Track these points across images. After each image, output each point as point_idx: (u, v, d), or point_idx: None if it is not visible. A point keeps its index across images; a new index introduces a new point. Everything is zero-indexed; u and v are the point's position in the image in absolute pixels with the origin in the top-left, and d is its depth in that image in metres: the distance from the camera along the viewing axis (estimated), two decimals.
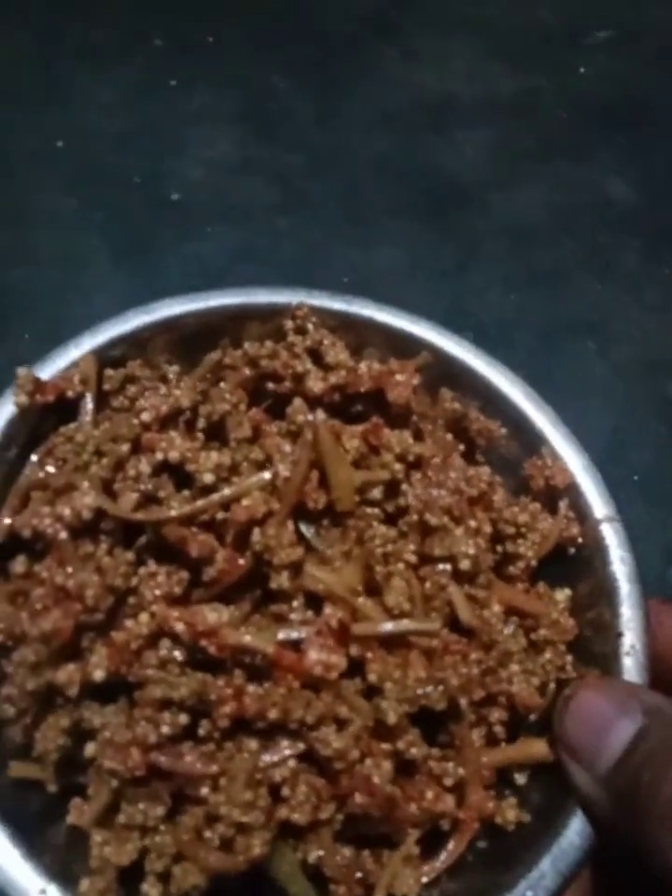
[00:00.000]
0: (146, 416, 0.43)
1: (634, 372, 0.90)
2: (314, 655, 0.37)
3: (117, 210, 0.98)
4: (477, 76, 1.17)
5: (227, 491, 0.40)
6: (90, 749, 0.36)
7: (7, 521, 0.41)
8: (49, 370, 0.46)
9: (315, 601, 0.40)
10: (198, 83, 1.13)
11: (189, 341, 0.50)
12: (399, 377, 0.45)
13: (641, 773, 0.36)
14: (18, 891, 0.35)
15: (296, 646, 0.38)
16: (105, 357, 0.47)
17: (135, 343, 0.48)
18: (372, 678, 0.38)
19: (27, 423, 0.44)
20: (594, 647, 0.45)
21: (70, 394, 0.44)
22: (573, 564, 0.48)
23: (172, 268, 0.92)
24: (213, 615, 0.37)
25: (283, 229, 0.99)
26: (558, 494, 0.48)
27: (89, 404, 0.44)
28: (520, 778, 0.43)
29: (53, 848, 0.38)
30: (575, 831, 0.40)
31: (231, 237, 0.96)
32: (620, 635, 0.44)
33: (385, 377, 0.45)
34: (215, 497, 0.40)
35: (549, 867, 0.39)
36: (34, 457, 0.44)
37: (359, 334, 0.51)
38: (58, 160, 1.04)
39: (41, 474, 0.42)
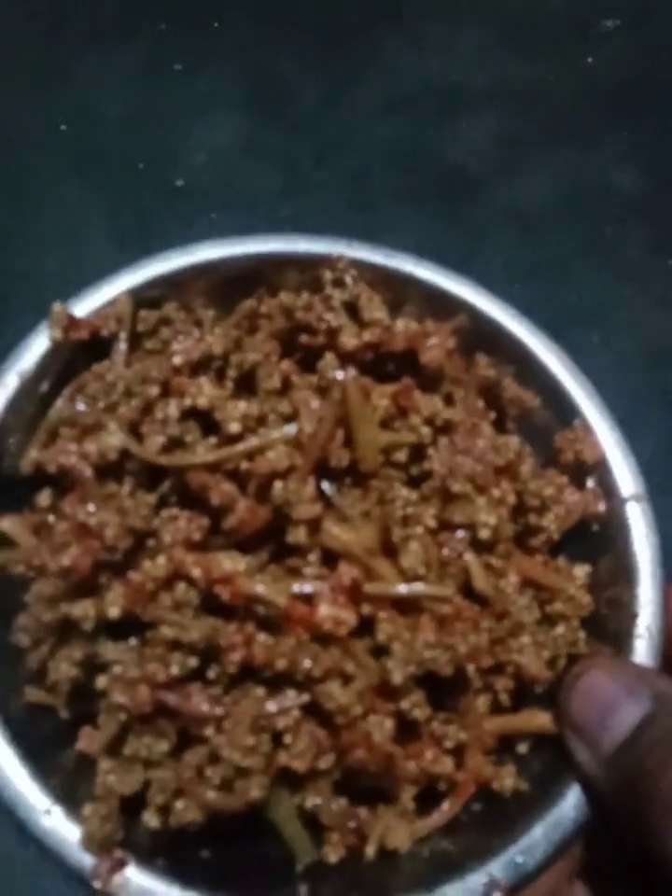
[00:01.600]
0: (177, 360, 0.43)
1: (638, 363, 0.90)
2: (325, 610, 0.38)
3: (120, 195, 0.98)
4: (485, 63, 1.14)
5: (251, 442, 0.40)
6: (101, 681, 0.37)
7: (35, 455, 0.41)
8: (84, 307, 0.46)
9: (330, 558, 0.40)
10: (203, 67, 1.12)
11: (226, 286, 0.50)
12: (433, 339, 0.44)
13: (645, 759, 0.36)
14: (25, 809, 0.37)
15: (308, 600, 0.39)
16: (142, 297, 0.47)
17: (173, 285, 0.48)
18: (382, 637, 0.38)
19: (60, 359, 0.45)
20: (609, 625, 0.45)
21: (104, 332, 0.44)
22: (596, 540, 0.47)
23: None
24: (229, 563, 0.37)
25: (287, 215, 0.98)
26: (587, 468, 0.47)
27: (122, 344, 0.44)
28: (522, 748, 0.44)
29: (62, 772, 0.40)
30: (571, 803, 0.40)
31: (235, 223, 0.95)
32: (635, 615, 0.44)
33: (420, 338, 0.44)
34: (239, 447, 0.40)
35: (541, 836, 0.39)
36: (65, 393, 0.44)
37: (398, 290, 0.50)
38: (61, 143, 1.03)
39: (70, 411, 0.42)
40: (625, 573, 0.45)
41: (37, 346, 0.44)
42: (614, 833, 0.39)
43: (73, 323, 0.43)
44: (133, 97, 1.08)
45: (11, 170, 1.00)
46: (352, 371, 0.44)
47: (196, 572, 0.37)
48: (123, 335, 0.45)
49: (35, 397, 0.44)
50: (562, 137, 1.08)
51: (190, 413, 0.42)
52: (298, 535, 0.39)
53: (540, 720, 0.42)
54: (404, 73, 1.13)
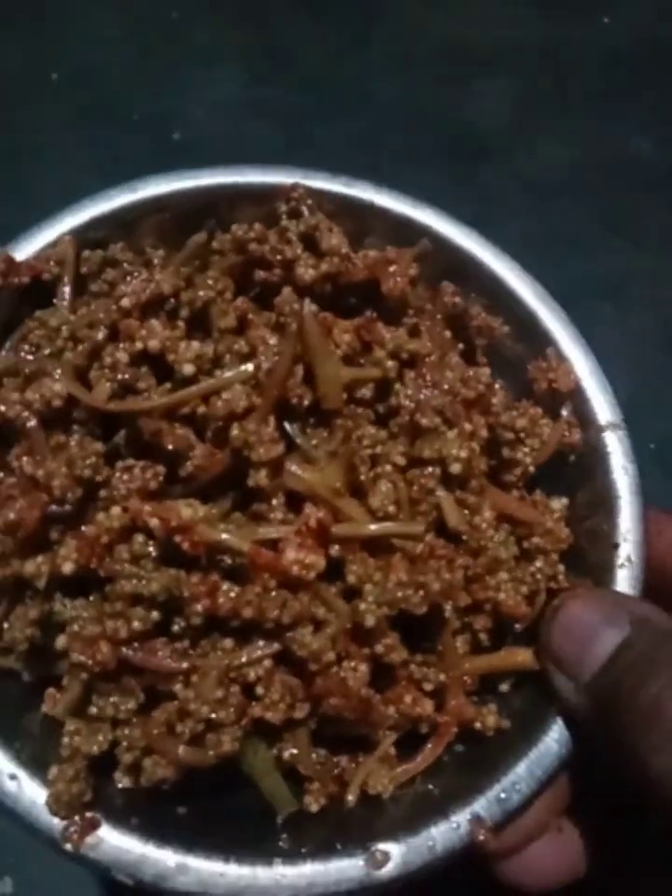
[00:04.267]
0: (125, 302, 0.41)
1: (652, 338, 0.87)
2: (291, 554, 0.36)
3: (115, 149, 0.93)
4: (500, 21, 1.08)
5: (205, 383, 0.38)
6: (60, 641, 0.36)
7: None
8: (25, 250, 0.43)
9: (297, 502, 0.39)
10: (202, 17, 1.05)
11: (178, 223, 0.47)
12: (393, 268, 0.41)
13: (622, 680, 0.36)
14: None
15: (275, 545, 0.37)
16: (86, 238, 0.44)
17: (119, 225, 0.45)
18: (352, 579, 0.37)
19: (3, 307, 0.42)
20: (589, 557, 0.44)
21: (46, 276, 0.42)
22: (574, 471, 0.46)
23: None
24: (187, 511, 0.36)
25: None
26: (561, 398, 0.46)
27: (65, 288, 0.42)
28: (504, 686, 0.43)
29: (28, 736, 0.38)
30: (553, 737, 0.39)
31: None
32: (616, 545, 0.42)
33: (381, 267, 0.42)
34: (192, 388, 0.38)
35: (525, 771, 0.39)
36: (8, 344, 0.42)
37: (360, 221, 0.48)
38: (55, 94, 0.98)
39: (14, 360, 0.40)
40: (604, 504, 0.44)
41: None
42: (598, 764, 0.38)
43: (12, 267, 0.41)
44: (128, 47, 1.03)
45: (1, 122, 0.96)
46: (311, 305, 0.42)
47: (153, 522, 0.35)
48: (67, 278, 0.42)
49: None
50: (579, 101, 1.04)
51: (143, 358, 0.40)
52: (259, 478, 0.37)
53: (521, 656, 0.41)
54: (415, 29, 1.08)
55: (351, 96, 1.02)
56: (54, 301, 0.42)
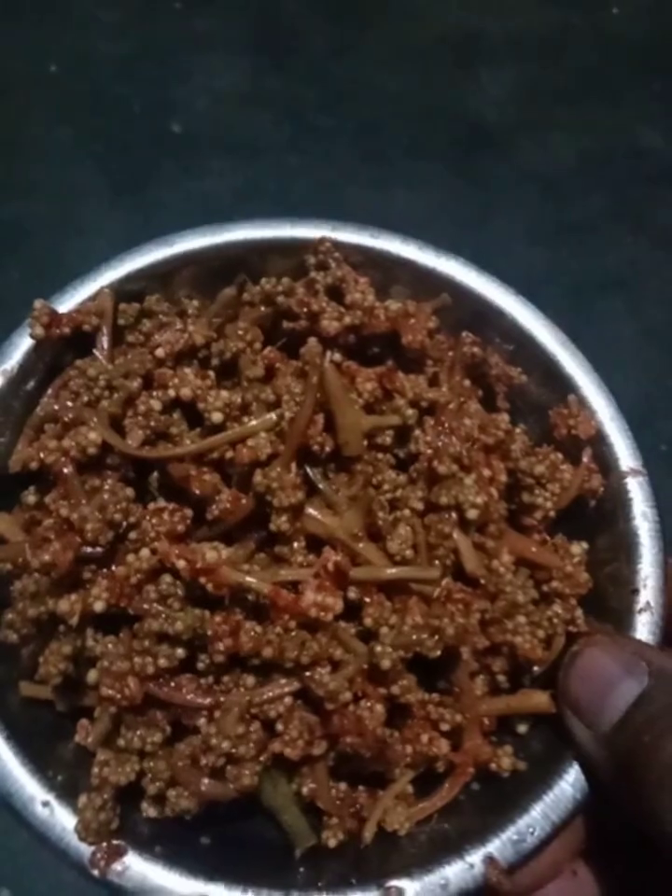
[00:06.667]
0: (160, 352, 0.43)
1: (666, 334, 0.86)
2: (310, 596, 0.38)
3: (115, 141, 0.94)
4: (506, 10, 1.09)
5: (231, 431, 0.40)
6: (91, 675, 0.38)
7: (20, 452, 0.42)
8: (68, 302, 0.46)
9: (318, 545, 0.40)
10: (204, 6, 1.06)
11: (211, 274, 0.49)
12: (413, 321, 0.43)
13: (642, 735, 0.36)
14: (21, 802, 0.37)
15: (295, 587, 0.39)
16: (124, 291, 0.47)
17: (155, 277, 0.48)
18: (368, 622, 0.38)
19: (44, 356, 0.45)
20: (610, 602, 0.44)
21: (86, 327, 0.44)
22: (596, 516, 0.46)
23: (172, 204, 0.88)
24: (212, 553, 0.37)
25: (293, 167, 0.94)
26: (582, 443, 0.46)
27: (103, 338, 0.44)
28: (522, 728, 0.43)
29: (62, 764, 0.40)
30: (569, 781, 0.40)
31: (236, 174, 0.91)
32: (635, 591, 0.43)
33: (402, 320, 0.44)
34: (218, 436, 0.40)
35: (540, 814, 0.39)
36: (50, 391, 0.45)
37: (386, 272, 0.50)
38: (53, 85, 0.98)
39: (55, 407, 0.42)
40: (625, 549, 0.44)
41: (20, 346, 0.44)
42: (614, 811, 0.39)
43: (54, 319, 0.44)
44: (129, 36, 1.02)
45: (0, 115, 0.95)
46: (337, 355, 0.44)
47: (180, 564, 0.37)
48: (105, 329, 0.45)
49: (22, 395, 0.45)
50: (587, 92, 1.03)
51: (176, 405, 0.42)
52: (280, 522, 0.39)
53: (538, 700, 0.42)
54: (420, 18, 1.08)
55: (355, 86, 1.01)
56: (94, 350, 0.44)
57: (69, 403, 0.41)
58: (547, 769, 0.41)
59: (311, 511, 0.40)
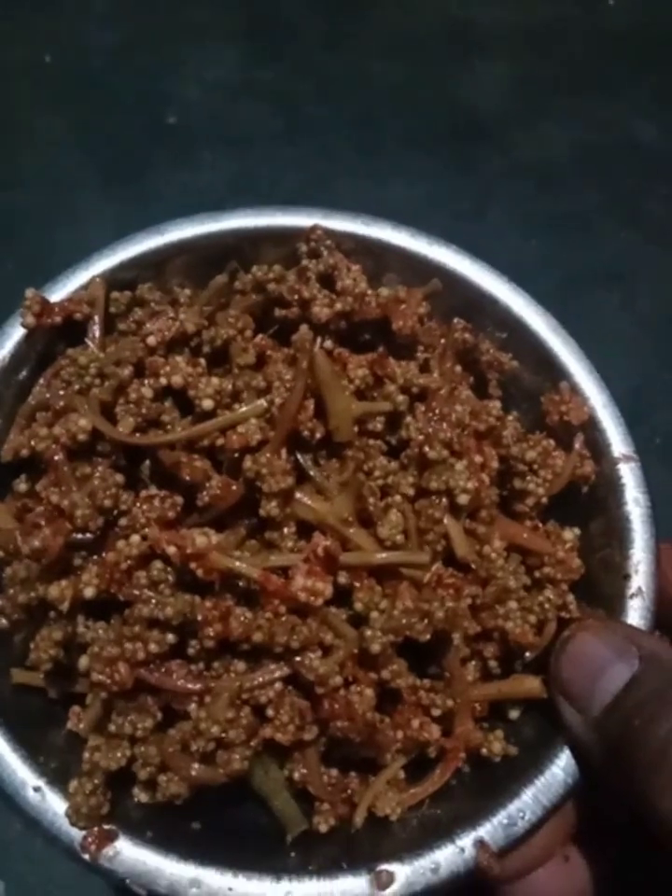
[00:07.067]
0: (151, 340, 0.43)
1: (660, 328, 0.85)
2: (300, 581, 0.38)
3: (108, 132, 0.93)
4: (501, 2, 1.07)
5: (220, 418, 0.40)
6: (82, 662, 0.38)
7: (12, 441, 0.42)
8: (60, 291, 0.46)
9: (308, 530, 0.40)
10: None
11: (203, 263, 0.49)
12: (403, 307, 0.43)
13: (632, 719, 0.36)
14: (12, 787, 0.38)
15: (285, 572, 0.39)
16: (115, 279, 0.47)
17: (147, 266, 0.48)
18: (358, 606, 0.38)
19: (36, 345, 0.45)
20: (603, 587, 0.44)
21: (78, 316, 0.44)
22: (588, 502, 0.46)
23: (165, 195, 0.87)
24: (202, 539, 0.38)
25: (287, 158, 0.92)
26: (574, 430, 0.46)
27: (95, 327, 0.44)
28: (514, 713, 0.43)
29: (54, 751, 0.40)
30: (560, 766, 0.40)
31: (230, 165, 0.90)
32: (627, 576, 0.43)
33: (392, 306, 0.44)
34: (208, 423, 0.40)
35: (531, 799, 0.39)
36: (42, 380, 0.45)
37: (378, 259, 0.50)
38: (46, 75, 0.97)
39: (46, 395, 0.42)
40: (616, 535, 0.44)
41: (12, 335, 0.44)
42: (604, 796, 0.39)
43: (46, 308, 0.44)
44: (122, 27, 1.01)
45: None
46: (328, 342, 0.44)
47: (170, 550, 0.37)
48: (96, 318, 0.45)
49: (14, 384, 0.45)
50: (582, 84, 1.02)
51: (168, 393, 0.42)
52: (270, 508, 0.39)
53: (529, 685, 0.42)
54: (414, 9, 1.06)
55: (349, 78, 1.00)
56: (85, 339, 0.45)
57: (60, 391, 0.41)
58: (538, 754, 0.41)
59: (301, 496, 0.40)
